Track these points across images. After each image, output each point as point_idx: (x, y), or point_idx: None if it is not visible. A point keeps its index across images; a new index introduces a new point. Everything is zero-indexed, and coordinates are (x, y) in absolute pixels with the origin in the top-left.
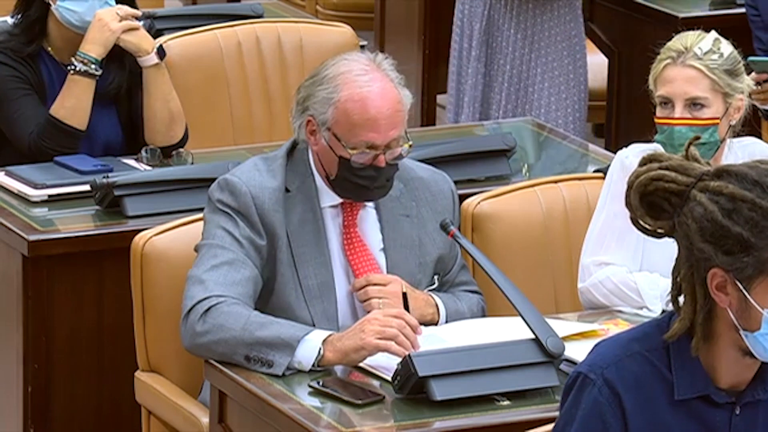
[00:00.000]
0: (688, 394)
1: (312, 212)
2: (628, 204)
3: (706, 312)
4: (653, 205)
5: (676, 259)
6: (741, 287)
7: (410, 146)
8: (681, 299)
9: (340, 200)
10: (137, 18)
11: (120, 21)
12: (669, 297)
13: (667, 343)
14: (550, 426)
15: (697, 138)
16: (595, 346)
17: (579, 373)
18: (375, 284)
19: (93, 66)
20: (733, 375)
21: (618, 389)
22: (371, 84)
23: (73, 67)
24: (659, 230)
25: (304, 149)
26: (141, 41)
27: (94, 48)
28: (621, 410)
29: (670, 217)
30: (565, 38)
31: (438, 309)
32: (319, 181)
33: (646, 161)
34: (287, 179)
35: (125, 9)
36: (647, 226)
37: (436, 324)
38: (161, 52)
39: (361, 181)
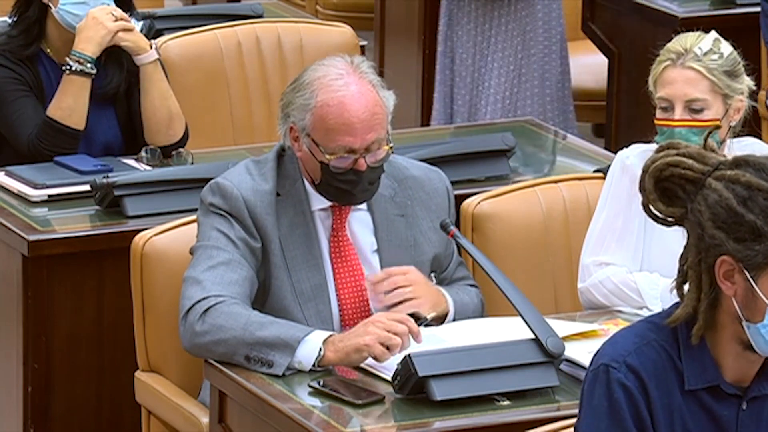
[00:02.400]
0: (697, 384)
1: (302, 216)
2: (641, 188)
3: (710, 300)
4: (667, 190)
5: (684, 247)
6: (748, 276)
7: (391, 148)
8: (686, 287)
9: (330, 203)
10: (144, 18)
11: (115, 21)
12: (673, 284)
13: (677, 334)
14: (551, 426)
15: (717, 127)
16: (606, 341)
17: (600, 365)
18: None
19: (89, 65)
20: (737, 370)
21: (642, 375)
22: (346, 88)
23: (68, 67)
24: (669, 218)
25: (293, 153)
26: (139, 39)
27: (88, 47)
28: (647, 396)
29: (683, 204)
30: (519, 33)
31: (446, 299)
32: (309, 184)
33: (663, 148)
34: (278, 183)
35: (119, 11)
36: (658, 213)
37: (446, 314)
38: (156, 51)
39: (343, 186)
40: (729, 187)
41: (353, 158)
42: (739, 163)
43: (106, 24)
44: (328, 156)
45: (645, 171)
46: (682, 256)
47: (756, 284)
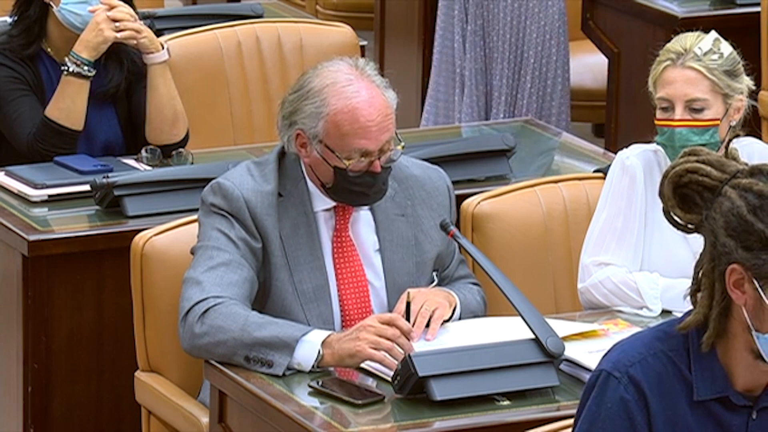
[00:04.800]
0: (706, 395)
1: (305, 216)
2: (661, 193)
3: (722, 308)
4: (685, 197)
5: (701, 254)
6: (757, 286)
7: (403, 147)
8: (699, 295)
9: (333, 204)
10: (144, 18)
11: (117, 30)
12: (688, 291)
13: (687, 344)
14: (551, 426)
15: (737, 135)
16: (616, 344)
17: (602, 371)
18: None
19: (86, 67)
20: (748, 379)
21: (643, 387)
22: (358, 94)
23: (66, 68)
24: (689, 224)
25: (295, 155)
26: (153, 38)
27: (86, 50)
28: (646, 409)
29: (701, 211)
30: (515, 29)
31: (450, 291)
32: (311, 185)
33: (685, 154)
34: (279, 184)
35: (122, 12)
36: (677, 219)
37: (454, 309)
38: (167, 52)
39: (359, 188)
40: (742, 196)
41: (369, 161)
42: (755, 171)
43: (105, 32)
44: (345, 161)
45: (664, 177)
46: (697, 263)
47: (765, 294)
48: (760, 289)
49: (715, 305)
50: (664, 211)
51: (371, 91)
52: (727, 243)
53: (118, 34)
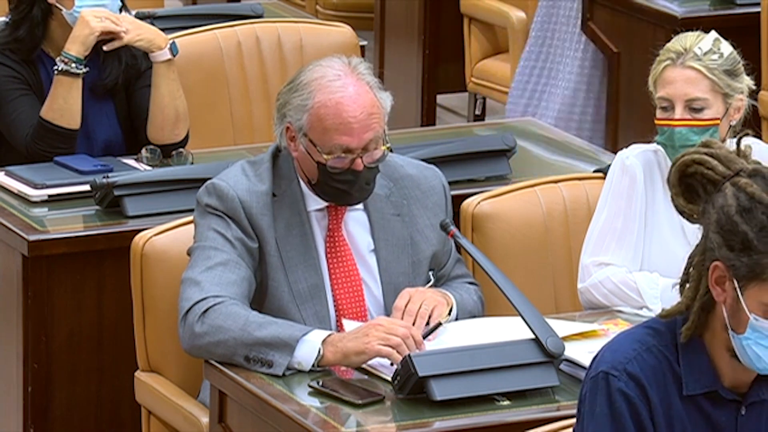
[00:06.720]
0: (695, 390)
1: (298, 216)
2: (668, 180)
3: (704, 302)
4: (690, 187)
5: (696, 245)
6: (737, 286)
7: (389, 149)
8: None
9: (326, 204)
10: (144, 17)
11: (102, 22)
12: (678, 280)
13: (676, 339)
14: (551, 426)
15: (746, 134)
16: (604, 346)
17: (600, 372)
18: (407, 304)
19: (73, 65)
20: (732, 376)
21: (642, 382)
22: (344, 89)
23: (56, 68)
24: (694, 214)
25: (288, 153)
26: (154, 37)
27: (74, 47)
28: (648, 403)
29: (702, 203)
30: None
31: (447, 292)
32: (304, 185)
33: (701, 145)
34: (273, 184)
35: (106, 12)
36: (682, 207)
37: (451, 309)
38: (173, 49)
39: (340, 186)
40: (735, 195)
41: (350, 158)
42: (756, 173)
43: (90, 23)
44: (325, 156)
45: (674, 164)
46: (691, 254)
47: (742, 295)
48: (738, 290)
49: (698, 298)
50: (671, 196)
51: (359, 89)
52: (714, 239)
53: (101, 24)
